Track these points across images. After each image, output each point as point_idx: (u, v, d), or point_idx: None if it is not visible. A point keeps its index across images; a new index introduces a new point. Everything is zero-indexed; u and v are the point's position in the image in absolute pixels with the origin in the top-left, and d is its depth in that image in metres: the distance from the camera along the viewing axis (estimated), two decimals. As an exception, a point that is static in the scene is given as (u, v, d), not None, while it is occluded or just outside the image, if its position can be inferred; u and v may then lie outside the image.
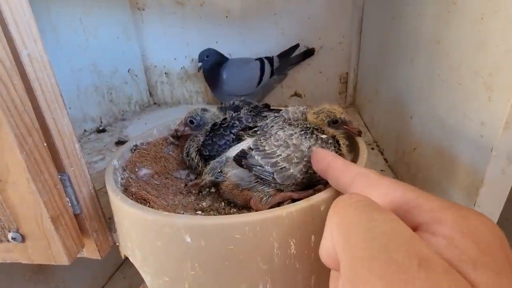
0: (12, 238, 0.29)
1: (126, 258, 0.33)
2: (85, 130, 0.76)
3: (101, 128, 0.80)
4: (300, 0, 0.80)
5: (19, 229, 0.29)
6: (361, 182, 0.18)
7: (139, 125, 0.83)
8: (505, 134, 0.21)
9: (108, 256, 0.36)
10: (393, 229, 0.12)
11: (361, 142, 0.36)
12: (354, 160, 0.34)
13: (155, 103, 1.05)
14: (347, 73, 0.85)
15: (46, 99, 0.27)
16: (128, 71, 0.92)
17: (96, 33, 0.78)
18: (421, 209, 0.14)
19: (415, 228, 0.14)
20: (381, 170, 0.48)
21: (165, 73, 1.00)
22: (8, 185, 0.27)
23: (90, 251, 0.34)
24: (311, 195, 0.30)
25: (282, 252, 0.23)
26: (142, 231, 0.25)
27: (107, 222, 0.36)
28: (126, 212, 0.25)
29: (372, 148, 0.57)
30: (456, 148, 0.28)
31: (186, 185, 0.39)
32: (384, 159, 0.52)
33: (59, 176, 0.29)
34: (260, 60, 0.77)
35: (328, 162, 0.23)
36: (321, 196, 0.24)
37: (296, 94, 0.92)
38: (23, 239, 0.29)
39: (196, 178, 0.41)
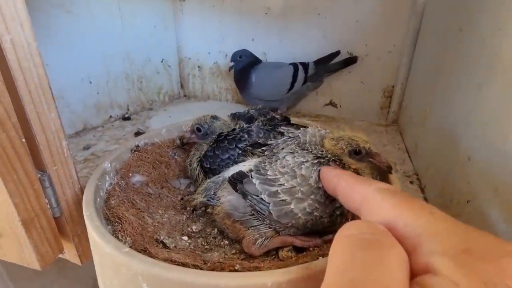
0: (-12, 233, 0.28)
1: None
2: (110, 116, 0.77)
3: (126, 115, 0.80)
4: (349, 1, 0.71)
5: (-7, 225, 0.27)
6: (365, 208, 0.16)
7: (163, 117, 0.82)
8: None
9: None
10: (363, 277, 0.11)
11: (395, 181, 0.29)
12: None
13: (185, 96, 1.04)
14: (393, 87, 0.75)
15: (30, 91, 0.24)
16: (162, 61, 0.91)
17: (133, 21, 0.77)
18: (420, 250, 0.11)
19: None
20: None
21: (198, 67, 0.98)
22: (-19, 180, 0.24)
23: (71, 255, 0.32)
24: (318, 246, 0.24)
25: (258, 331, 0.17)
26: (101, 261, 0.21)
27: (95, 225, 0.33)
28: (89, 232, 0.22)
29: (411, 182, 0.48)
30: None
31: (182, 198, 0.34)
32: (425, 198, 0.43)
33: (39, 175, 0.26)
34: (294, 65, 0.71)
35: (337, 180, 0.20)
36: (324, 264, 0.18)
37: (331, 103, 0.84)
38: (-2, 235, 0.28)
39: (195, 191, 0.37)
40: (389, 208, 0.14)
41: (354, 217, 0.26)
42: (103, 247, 0.19)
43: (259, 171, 0.26)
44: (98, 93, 0.72)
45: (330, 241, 0.24)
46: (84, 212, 0.24)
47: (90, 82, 0.69)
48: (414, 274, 0.11)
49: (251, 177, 0.26)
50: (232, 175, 0.27)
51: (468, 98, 0.34)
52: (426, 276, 0.11)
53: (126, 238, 0.23)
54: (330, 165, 0.26)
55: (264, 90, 0.74)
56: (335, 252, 0.13)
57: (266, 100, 0.75)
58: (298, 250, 0.25)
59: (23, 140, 0.24)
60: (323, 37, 0.77)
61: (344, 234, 0.13)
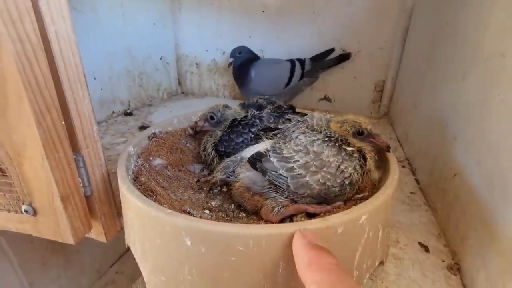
0: (25, 211, 0.30)
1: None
2: (113, 112, 0.79)
3: (128, 111, 0.82)
4: (342, 0, 0.75)
5: (31, 202, 0.29)
6: None
7: (164, 113, 0.84)
8: None
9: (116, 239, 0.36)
10: None
11: (392, 159, 0.33)
12: (383, 178, 0.31)
13: (182, 92, 1.06)
14: (384, 81, 0.80)
15: (68, 78, 0.27)
16: (161, 59, 0.93)
17: (134, 18, 0.79)
18: None
19: None
20: (411, 193, 0.44)
21: (196, 64, 1.01)
22: (25, 160, 0.27)
23: (97, 233, 0.34)
24: (329, 211, 0.28)
25: (287, 273, 0.20)
26: (143, 225, 0.24)
27: (117, 206, 0.35)
28: (130, 203, 0.24)
29: (403, 166, 0.53)
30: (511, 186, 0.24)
31: (198, 180, 0.37)
32: (416, 180, 0.48)
33: (74, 156, 0.29)
34: (291, 61, 0.75)
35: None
36: (340, 218, 0.21)
37: (325, 98, 0.88)
38: (34, 212, 0.30)
39: (209, 174, 0.40)
40: None
41: (365, 187, 0.30)
42: (149, 211, 0.22)
43: (275, 150, 0.30)
44: (101, 89, 0.73)
45: (339, 207, 0.28)
46: (121, 187, 0.27)
47: (95, 78, 0.70)
48: None
49: (269, 156, 0.29)
50: (252, 155, 0.30)
51: (454, 87, 0.39)
52: None
53: (164, 205, 0.26)
54: (337, 143, 0.29)
55: (263, 85, 0.78)
56: None
57: (265, 95, 0.78)
58: (310, 216, 0.28)
59: (63, 122, 0.27)
60: (317, 34, 0.81)
61: None
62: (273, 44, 0.86)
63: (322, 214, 0.27)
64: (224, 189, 0.36)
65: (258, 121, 0.36)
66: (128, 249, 0.31)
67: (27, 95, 0.23)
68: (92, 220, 0.33)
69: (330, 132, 0.31)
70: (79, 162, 0.29)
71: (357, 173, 0.29)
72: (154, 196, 0.28)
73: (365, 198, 0.28)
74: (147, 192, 0.28)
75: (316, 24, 0.80)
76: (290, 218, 0.29)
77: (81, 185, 0.30)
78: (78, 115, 0.28)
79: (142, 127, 0.69)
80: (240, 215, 0.31)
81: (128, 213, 0.26)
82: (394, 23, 0.72)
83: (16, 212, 0.31)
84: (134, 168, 0.33)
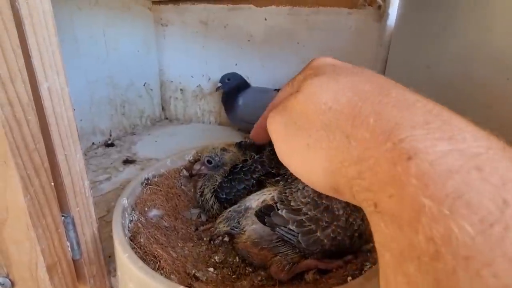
0: (0, 284, 0.26)
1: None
2: (93, 143, 0.74)
3: (109, 142, 0.77)
4: (324, 32, 0.79)
5: (9, 274, 0.26)
6: None
7: (148, 142, 0.80)
8: None
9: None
10: None
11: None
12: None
13: (166, 118, 1.03)
14: (366, 109, 0.83)
15: (60, 135, 0.24)
16: (144, 85, 0.91)
17: (117, 45, 0.77)
18: None
19: None
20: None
21: (180, 89, 0.99)
22: (4, 228, 0.24)
23: (84, 298, 0.31)
24: (340, 266, 0.27)
25: None
26: (149, 302, 0.21)
27: (107, 263, 0.32)
28: (132, 274, 0.22)
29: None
30: None
31: (197, 229, 0.35)
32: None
33: (62, 217, 0.26)
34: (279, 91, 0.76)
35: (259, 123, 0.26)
36: (355, 284, 0.21)
37: (311, 124, 0.90)
38: (12, 285, 0.26)
39: (207, 220, 0.38)
40: None
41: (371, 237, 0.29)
42: (154, 286, 0.20)
43: (283, 202, 0.29)
44: (81, 120, 0.69)
45: (350, 261, 0.27)
46: (121, 255, 0.24)
47: (74, 109, 0.66)
48: None
49: (277, 208, 0.28)
50: (260, 209, 0.29)
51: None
52: None
53: (170, 276, 0.23)
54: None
55: (250, 113, 0.78)
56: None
57: (251, 123, 0.78)
58: (322, 272, 0.27)
59: (52, 183, 0.24)
60: (302, 63, 0.82)
61: None
62: (259, 72, 0.87)
63: (334, 270, 0.27)
64: (226, 239, 0.34)
65: (259, 166, 0.35)
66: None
67: (14, 161, 0.21)
68: (80, 285, 0.30)
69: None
70: (68, 225, 0.26)
71: (364, 223, 0.28)
72: (158, 263, 0.25)
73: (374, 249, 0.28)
74: (149, 257, 0.26)
75: (300, 54, 0.82)
76: (300, 274, 0.28)
77: (69, 249, 0.27)
78: (69, 173, 0.26)
79: (127, 161, 0.65)
80: (246, 271, 0.30)
81: (129, 284, 0.24)
82: (372, 56, 0.76)
83: (-12, 283, 0.27)
84: (130, 225, 0.30)
